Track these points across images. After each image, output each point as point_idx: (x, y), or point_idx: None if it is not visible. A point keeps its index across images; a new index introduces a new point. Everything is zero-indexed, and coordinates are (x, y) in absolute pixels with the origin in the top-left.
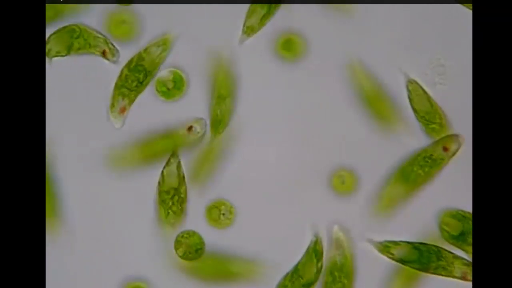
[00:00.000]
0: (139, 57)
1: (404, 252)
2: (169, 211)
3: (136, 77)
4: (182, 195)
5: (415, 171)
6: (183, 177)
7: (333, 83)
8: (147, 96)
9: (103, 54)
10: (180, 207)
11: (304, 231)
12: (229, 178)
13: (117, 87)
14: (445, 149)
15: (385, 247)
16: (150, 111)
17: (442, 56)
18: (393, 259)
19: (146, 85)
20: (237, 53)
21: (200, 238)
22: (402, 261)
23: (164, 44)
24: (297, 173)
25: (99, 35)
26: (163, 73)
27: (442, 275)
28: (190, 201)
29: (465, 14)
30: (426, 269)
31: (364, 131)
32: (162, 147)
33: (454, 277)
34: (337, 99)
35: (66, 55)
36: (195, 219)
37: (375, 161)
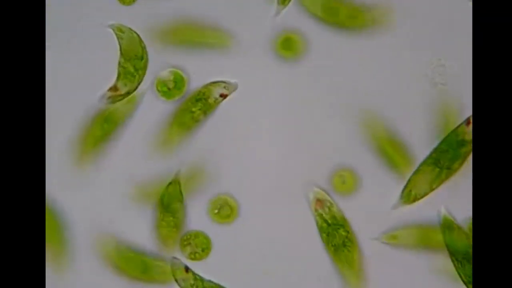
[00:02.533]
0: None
1: (456, 236)
2: (161, 231)
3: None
4: (175, 218)
5: (445, 151)
6: (181, 201)
7: (333, 82)
8: (148, 96)
9: (112, 88)
10: (171, 230)
11: (305, 230)
12: (230, 178)
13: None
14: (468, 123)
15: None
16: (150, 111)
17: (442, 56)
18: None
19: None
20: (237, 53)
21: (206, 237)
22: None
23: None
24: (297, 173)
25: (135, 74)
26: (163, 73)
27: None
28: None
29: (465, 14)
30: (455, 259)
31: (364, 130)
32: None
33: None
34: (337, 98)
35: (119, 36)
36: (199, 218)
37: (376, 161)
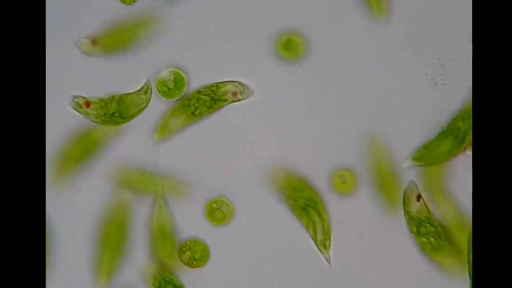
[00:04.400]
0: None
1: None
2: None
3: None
4: (172, 241)
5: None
6: (170, 220)
7: (333, 83)
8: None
9: (86, 100)
10: (169, 252)
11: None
12: (229, 177)
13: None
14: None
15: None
16: (151, 111)
17: (442, 56)
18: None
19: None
20: (237, 54)
21: (204, 245)
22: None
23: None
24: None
25: (110, 120)
26: (164, 73)
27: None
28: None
29: (465, 13)
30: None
31: (364, 130)
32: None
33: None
34: (337, 98)
35: (138, 93)
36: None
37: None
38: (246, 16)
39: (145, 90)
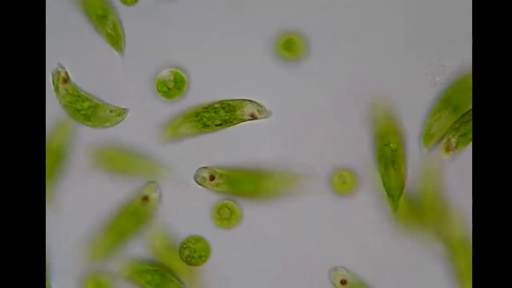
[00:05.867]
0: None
1: None
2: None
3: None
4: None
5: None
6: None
7: (333, 82)
8: (148, 96)
9: (65, 76)
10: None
11: (304, 231)
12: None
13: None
14: None
15: None
16: (151, 111)
17: (442, 56)
18: None
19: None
20: (238, 53)
21: (205, 243)
22: None
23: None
24: (297, 173)
25: (77, 114)
26: (164, 73)
27: None
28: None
29: (465, 13)
30: None
31: (364, 130)
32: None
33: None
34: (337, 99)
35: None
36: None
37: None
38: (246, 16)
39: (120, 113)
